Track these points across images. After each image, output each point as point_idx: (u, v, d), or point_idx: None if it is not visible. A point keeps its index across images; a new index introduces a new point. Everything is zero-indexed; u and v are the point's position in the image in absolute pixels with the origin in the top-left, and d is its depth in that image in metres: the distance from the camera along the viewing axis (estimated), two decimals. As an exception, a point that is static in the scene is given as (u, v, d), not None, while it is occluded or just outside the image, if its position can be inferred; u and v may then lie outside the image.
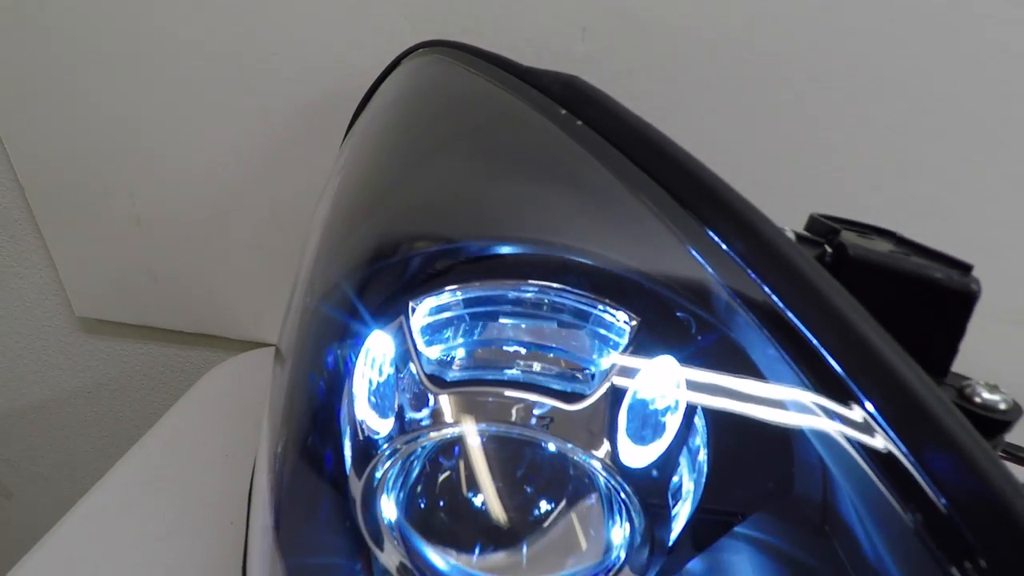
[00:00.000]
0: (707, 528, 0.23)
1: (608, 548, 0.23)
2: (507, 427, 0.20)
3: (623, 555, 0.22)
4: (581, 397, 0.20)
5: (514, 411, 0.20)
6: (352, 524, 0.28)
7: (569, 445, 0.20)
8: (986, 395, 0.17)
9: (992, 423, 0.17)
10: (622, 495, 0.21)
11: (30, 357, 0.80)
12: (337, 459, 0.26)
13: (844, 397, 0.17)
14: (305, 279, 0.31)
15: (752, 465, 0.23)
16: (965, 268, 0.18)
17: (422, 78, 0.31)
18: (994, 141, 0.41)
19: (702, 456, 0.23)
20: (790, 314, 0.17)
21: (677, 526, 0.23)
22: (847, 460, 0.18)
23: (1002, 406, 0.17)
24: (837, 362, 0.17)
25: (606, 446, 0.20)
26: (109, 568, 0.40)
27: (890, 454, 0.16)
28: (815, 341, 0.17)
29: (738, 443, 0.23)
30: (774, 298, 0.18)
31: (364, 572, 0.31)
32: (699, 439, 0.23)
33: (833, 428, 0.18)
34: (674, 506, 0.23)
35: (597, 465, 0.20)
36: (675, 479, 0.23)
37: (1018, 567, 0.14)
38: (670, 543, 0.23)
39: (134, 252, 0.62)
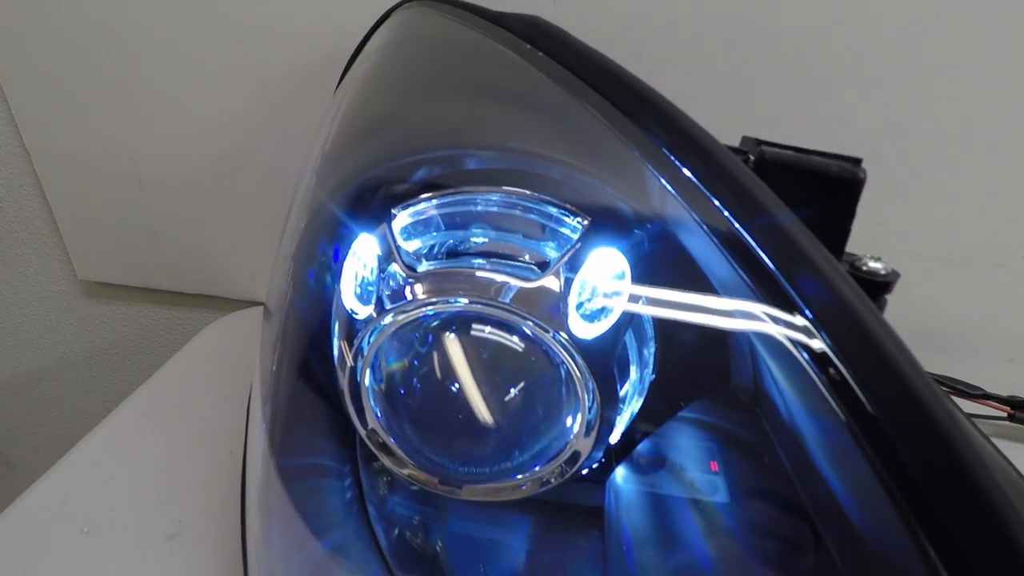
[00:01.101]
0: (655, 415, 0.27)
1: (564, 429, 0.26)
2: (473, 301, 0.23)
3: (577, 433, 0.26)
4: (538, 278, 0.23)
5: (480, 288, 0.23)
6: (342, 423, 0.31)
7: (528, 320, 0.24)
8: (872, 264, 0.21)
9: (876, 285, 0.21)
10: (574, 370, 0.24)
11: (33, 323, 0.83)
12: (328, 367, 0.29)
13: (767, 279, 0.20)
14: (297, 210, 0.35)
15: (694, 357, 0.27)
16: (855, 161, 0.21)
17: (406, 26, 0.34)
18: (935, 90, 0.44)
19: (650, 351, 0.27)
20: (708, 192, 0.21)
21: (627, 414, 0.27)
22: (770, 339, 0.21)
23: (883, 272, 0.21)
24: (761, 249, 0.20)
25: (559, 321, 0.23)
26: (112, 496, 0.43)
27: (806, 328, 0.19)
28: (731, 216, 0.21)
29: (681, 338, 0.27)
30: (696, 181, 0.21)
31: (352, 474, 0.34)
32: (647, 334, 0.27)
33: (759, 310, 0.21)
34: (623, 394, 0.26)
35: (550, 337, 0.23)
36: (630, 376, 0.26)
37: (869, 371, 0.17)
38: (624, 428, 0.27)
39: (136, 214, 0.66)
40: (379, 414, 0.27)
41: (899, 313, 0.50)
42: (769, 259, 0.17)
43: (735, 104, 0.48)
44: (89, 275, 0.72)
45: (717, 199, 0.19)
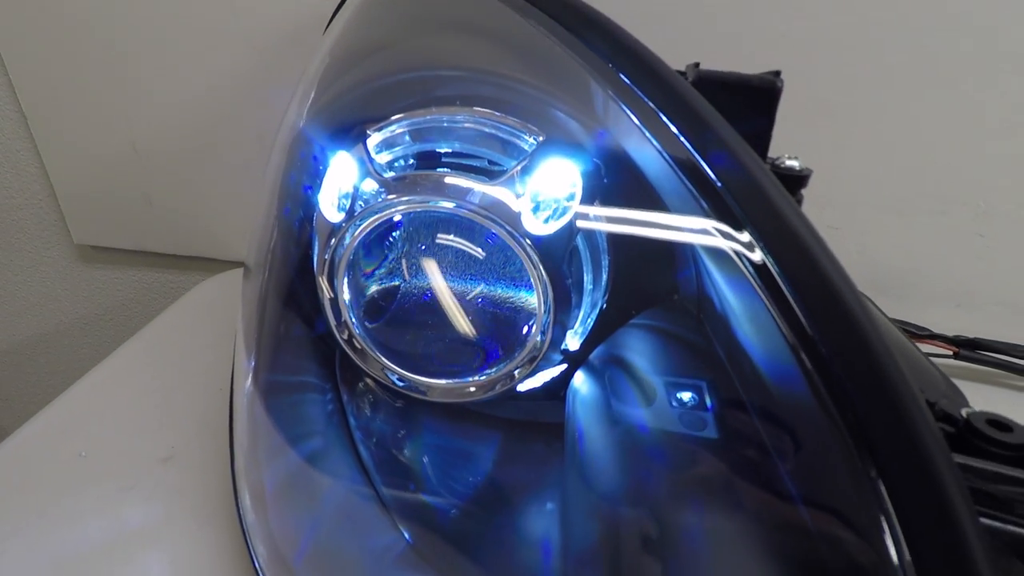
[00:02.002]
0: (608, 323, 0.30)
1: (522, 329, 0.28)
2: (436, 201, 0.25)
3: (534, 333, 0.28)
4: (495, 182, 0.26)
5: (442, 190, 0.26)
6: (324, 348, 0.34)
7: (486, 219, 0.26)
8: (788, 162, 0.24)
9: (793, 179, 0.23)
10: (529, 266, 0.27)
11: (30, 290, 0.85)
12: (310, 290, 0.32)
13: (702, 181, 0.23)
14: (279, 144, 0.37)
15: (644, 270, 0.30)
16: (775, 74, 0.24)
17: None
18: (881, 45, 0.47)
19: (603, 264, 0.30)
20: (643, 95, 0.24)
21: (583, 322, 0.30)
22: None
23: (798, 168, 0.23)
24: (695, 150, 0.23)
25: (514, 219, 0.26)
26: (108, 426, 0.45)
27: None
28: (675, 128, 0.23)
29: (632, 251, 0.29)
30: (642, 96, 0.24)
31: (333, 391, 0.37)
32: (601, 248, 0.29)
33: (709, 226, 0.24)
34: (577, 298, 0.29)
35: (506, 233, 0.26)
36: (584, 281, 0.29)
37: (777, 235, 0.20)
38: (583, 338, 0.29)
39: (131, 178, 0.68)
40: (354, 317, 0.29)
41: (854, 261, 0.53)
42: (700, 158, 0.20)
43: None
44: (85, 239, 0.75)
45: (661, 112, 0.21)
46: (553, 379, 0.30)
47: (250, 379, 0.35)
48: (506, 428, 0.34)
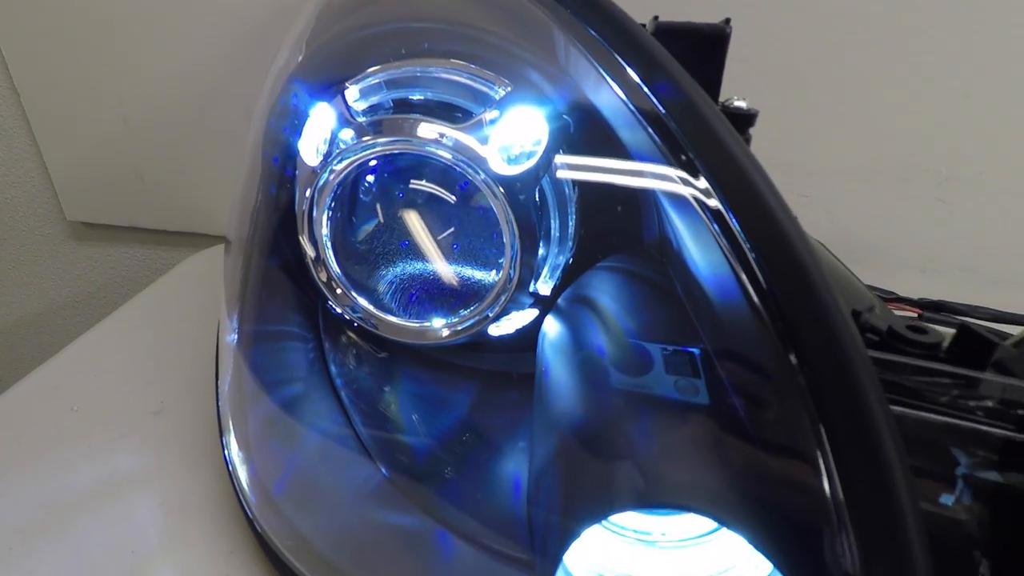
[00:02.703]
0: (578, 270, 0.31)
1: (490, 273, 0.30)
2: (408, 142, 0.27)
3: (501, 276, 0.30)
4: (464, 125, 0.28)
5: (414, 132, 0.27)
6: (306, 300, 0.35)
7: (457, 160, 0.28)
8: (737, 103, 0.25)
9: (741, 118, 0.25)
10: (496, 206, 0.28)
11: (22, 269, 0.86)
12: (293, 241, 0.33)
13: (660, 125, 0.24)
14: (259, 108, 0.38)
15: (610, 216, 0.31)
16: (725, 21, 0.25)
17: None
18: (846, 14, 0.48)
19: (571, 211, 0.31)
20: (604, 43, 0.25)
21: (553, 268, 0.31)
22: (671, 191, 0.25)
23: (746, 108, 0.25)
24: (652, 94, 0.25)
25: (482, 160, 0.27)
26: (100, 383, 0.47)
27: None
28: (634, 73, 0.25)
29: (598, 199, 0.31)
30: (601, 40, 0.26)
31: (315, 342, 0.38)
32: (568, 196, 0.31)
33: (671, 173, 0.26)
34: (543, 240, 0.30)
35: (474, 174, 0.27)
36: (550, 226, 0.31)
37: (714, 160, 0.22)
38: (554, 284, 0.31)
39: (122, 153, 0.69)
40: (332, 260, 0.31)
41: (823, 228, 0.55)
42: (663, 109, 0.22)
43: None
44: (77, 215, 0.76)
45: (621, 57, 0.23)
46: (526, 327, 0.32)
47: (235, 328, 0.37)
48: (483, 378, 0.36)
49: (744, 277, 0.22)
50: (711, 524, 0.28)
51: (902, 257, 0.50)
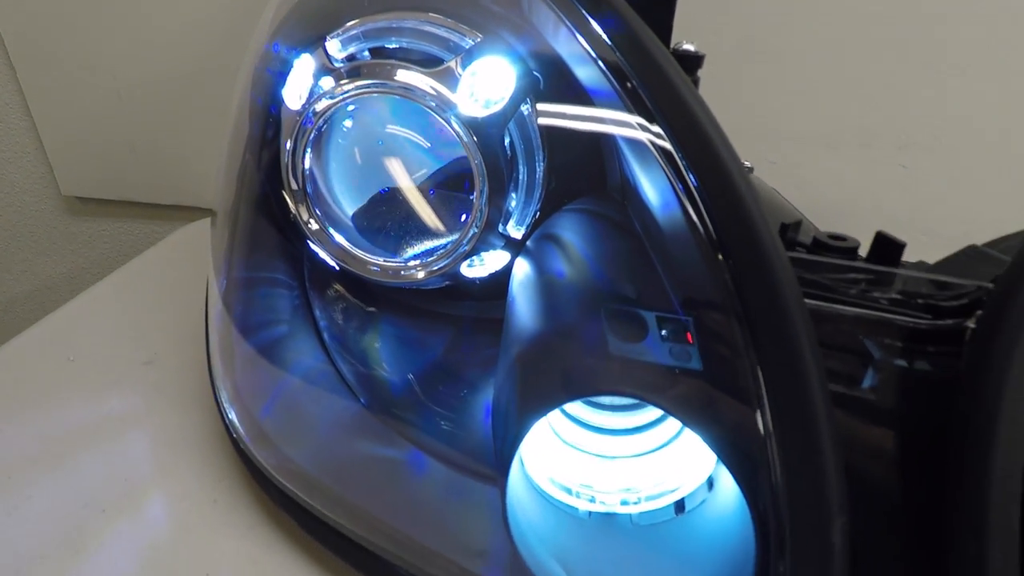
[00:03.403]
0: (546, 215, 0.33)
1: (458, 216, 0.32)
2: (385, 84, 0.29)
3: (472, 212, 0.32)
4: (436, 69, 0.30)
5: (389, 76, 0.29)
6: (291, 242, 0.37)
7: (431, 103, 0.30)
8: (686, 46, 0.27)
9: (689, 59, 0.27)
10: (465, 145, 0.30)
11: (18, 245, 0.88)
12: (280, 197, 0.35)
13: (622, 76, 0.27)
14: (251, 59, 0.40)
15: (576, 162, 0.33)
16: (676, -31, 0.27)
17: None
18: None
19: (539, 158, 0.33)
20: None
21: (522, 214, 0.33)
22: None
23: (693, 49, 0.27)
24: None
25: (451, 102, 0.29)
26: (95, 335, 0.49)
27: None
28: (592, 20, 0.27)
29: (565, 146, 0.33)
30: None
31: (300, 290, 0.40)
32: (535, 143, 0.33)
33: (630, 120, 0.28)
34: (512, 182, 0.32)
35: (444, 116, 0.29)
36: (518, 169, 0.33)
37: (654, 86, 0.24)
38: (525, 228, 0.33)
39: (116, 127, 0.71)
40: (313, 202, 0.33)
41: (790, 193, 0.57)
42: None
43: None
44: (72, 190, 0.77)
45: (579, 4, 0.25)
46: (500, 272, 0.34)
47: (224, 274, 0.39)
48: (459, 323, 0.38)
49: (684, 197, 0.24)
50: (658, 441, 0.31)
51: (865, 222, 0.52)
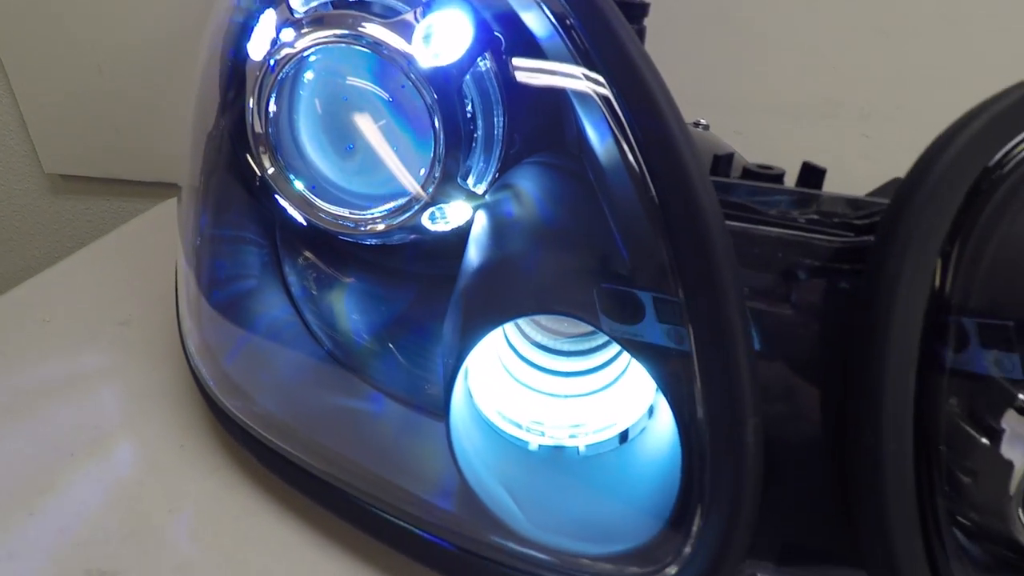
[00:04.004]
0: (506, 168, 0.34)
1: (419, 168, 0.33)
2: (345, 34, 0.30)
3: (430, 164, 0.33)
4: (394, 19, 0.31)
5: (348, 24, 0.30)
6: (263, 210, 0.38)
7: (388, 53, 0.31)
8: (632, -2, 0.28)
9: (634, 7, 0.28)
10: (422, 93, 0.31)
11: (1, 224, 0.88)
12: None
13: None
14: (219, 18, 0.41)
15: (535, 117, 0.34)
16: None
17: None
18: None
19: (499, 114, 0.34)
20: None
21: (482, 169, 0.34)
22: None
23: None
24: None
25: (409, 52, 0.30)
26: (70, 299, 0.49)
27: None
28: None
29: (524, 102, 0.34)
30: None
31: (270, 248, 0.41)
32: (493, 99, 0.34)
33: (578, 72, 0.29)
34: (469, 136, 0.33)
35: (401, 65, 0.30)
36: (477, 124, 0.34)
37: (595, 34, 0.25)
38: (487, 183, 0.34)
39: (97, 103, 0.71)
40: (277, 150, 0.34)
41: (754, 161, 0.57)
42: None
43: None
44: (55, 168, 0.78)
45: None
46: (463, 228, 0.35)
47: (195, 230, 0.40)
48: (424, 280, 0.39)
49: (618, 132, 0.25)
50: (605, 381, 0.32)
51: (829, 189, 0.54)
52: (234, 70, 0.37)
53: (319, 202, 0.34)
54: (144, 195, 0.79)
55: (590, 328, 0.35)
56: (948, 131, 0.21)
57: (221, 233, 0.41)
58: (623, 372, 0.30)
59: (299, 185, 0.33)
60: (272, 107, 0.32)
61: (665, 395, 0.21)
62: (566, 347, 0.34)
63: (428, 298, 0.40)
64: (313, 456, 0.30)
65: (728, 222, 0.21)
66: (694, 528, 0.21)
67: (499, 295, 0.24)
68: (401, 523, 0.26)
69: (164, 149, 0.72)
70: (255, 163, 0.33)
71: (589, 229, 0.27)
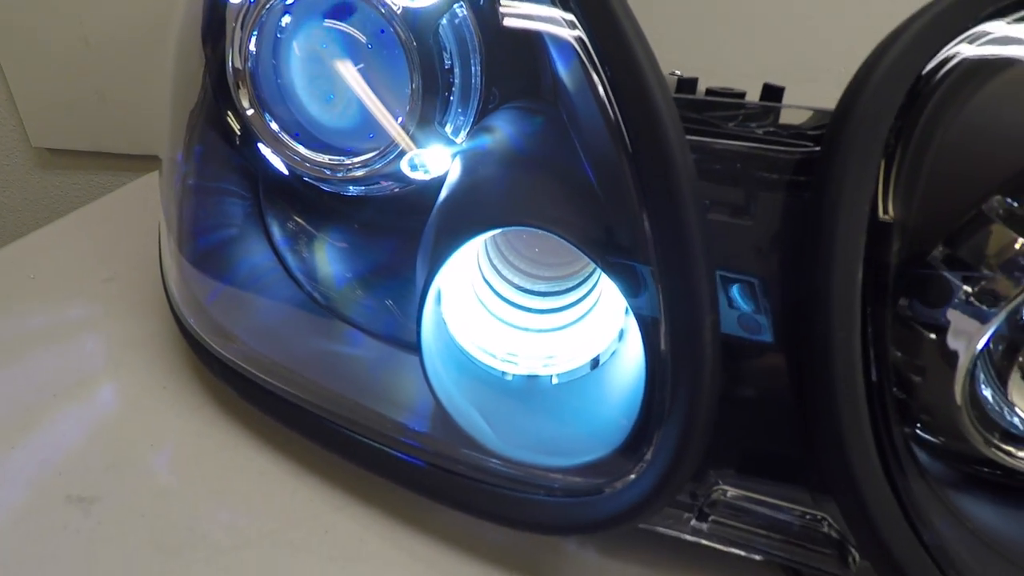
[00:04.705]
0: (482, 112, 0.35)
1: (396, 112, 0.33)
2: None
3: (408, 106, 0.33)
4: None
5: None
6: (245, 158, 0.38)
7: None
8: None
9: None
10: (399, 33, 0.32)
11: (-10, 201, 0.88)
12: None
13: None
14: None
15: (511, 63, 0.35)
16: None
17: None
18: None
19: (476, 60, 0.35)
20: None
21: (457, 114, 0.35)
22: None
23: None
24: None
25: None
26: (55, 257, 0.50)
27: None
28: None
29: (500, 48, 0.34)
30: None
31: (252, 199, 0.41)
32: (470, 46, 0.34)
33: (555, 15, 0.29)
34: (445, 81, 0.34)
35: (384, 10, 0.31)
36: (455, 70, 0.34)
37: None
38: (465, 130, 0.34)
39: (84, 75, 0.71)
40: (256, 93, 0.34)
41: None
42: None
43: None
44: (42, 141, 0.78)
45: None
46: (441, 178, 0.35)
47: (177, 178, 0.40)
48: (405, 232, 0.39)
49: (589, 66, 0.26)
50: (579, 314, 0.33)
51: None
52: (213, 17, 0.37)
53: (300, 148, 0.35)
54: (132, 169, 0.79)
55: (565, 272, 0.36)
56: (883, 43, 0.22)
57: (205, 184, 0.41)
58: (595, 304, 0.31)
59: (275, 126, 0.34)
60: (252, 47, 0.33)
61: (628, 300, 0.22)
62: (541, 288, 0.34)
63: (410, 249, 0.41)
64: (291, 386, 0.30)
65: (689, 137, 0.22)
66: (657, 433, 0.22)
67: (470, 212, 0.25)
68: (374, 443, 0.27)
69: (152, 121, 0.72)
70: (235, 104, 0.34)
71: (558, 154, 0.27)
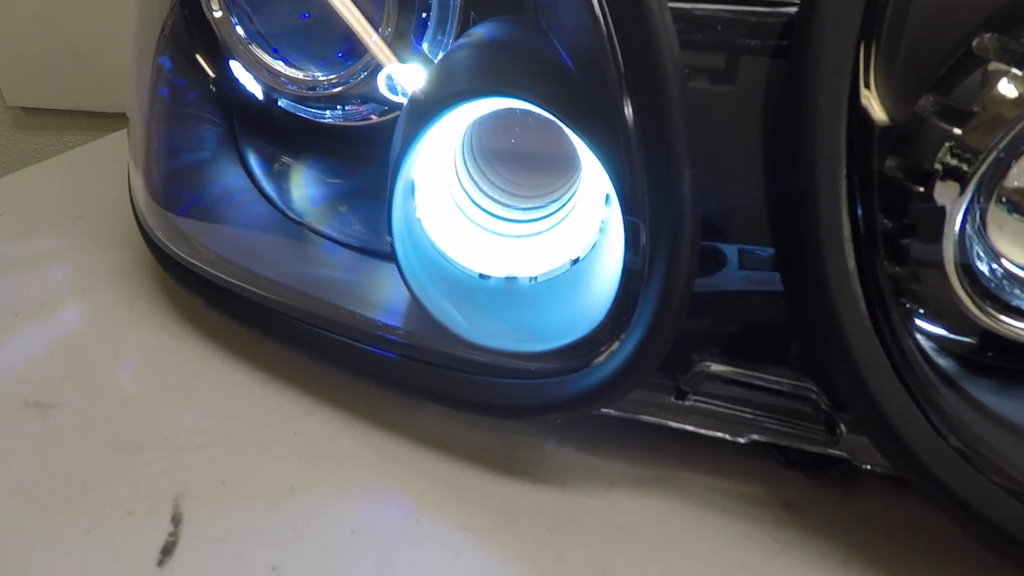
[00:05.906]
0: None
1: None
2: None
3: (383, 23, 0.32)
4: None
5: None
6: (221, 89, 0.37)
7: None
8: None
9: None
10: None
11: (-35, 166, 0.86)
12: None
13: None
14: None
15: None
16: None
17: None
18: None
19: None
20: None
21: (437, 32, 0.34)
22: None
23: None
24: None
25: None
26: (24, 197, 0.48)
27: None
28: None
29: None
30: None
31: (226, 126, 0.40)
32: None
33: None
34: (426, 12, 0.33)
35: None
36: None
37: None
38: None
39: (58, 30, 0.70)
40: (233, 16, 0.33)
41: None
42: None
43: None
44: (18, 101, 0.76)
45: None
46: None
47: (149, 105, 0.39)
48: (382, 163, 0.38)
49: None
50: (557, 219, 0.32)
51: None
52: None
53: (271, 60, 0.34)
54: (107, 128, 0.77)
55: (544, 199, 0.35)
56: None
57: (176, 110, 0.40)
58: (574, 209, 0.30)
59: (241, 31, 0.33)
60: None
61: (602, 163, 0.21)
62: (522, 204, 0.33)
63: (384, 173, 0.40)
64: (261, 288, 0.29)
65: (671, 3, 0.21)
66: (640, 296, 0.21)
67: (441, 88, 0.24)
68: (345, 339, 0.26)
69: (126, 79, 0.71)
70: (204, 8, 0.33)
71: (538, 45, 0.27)
